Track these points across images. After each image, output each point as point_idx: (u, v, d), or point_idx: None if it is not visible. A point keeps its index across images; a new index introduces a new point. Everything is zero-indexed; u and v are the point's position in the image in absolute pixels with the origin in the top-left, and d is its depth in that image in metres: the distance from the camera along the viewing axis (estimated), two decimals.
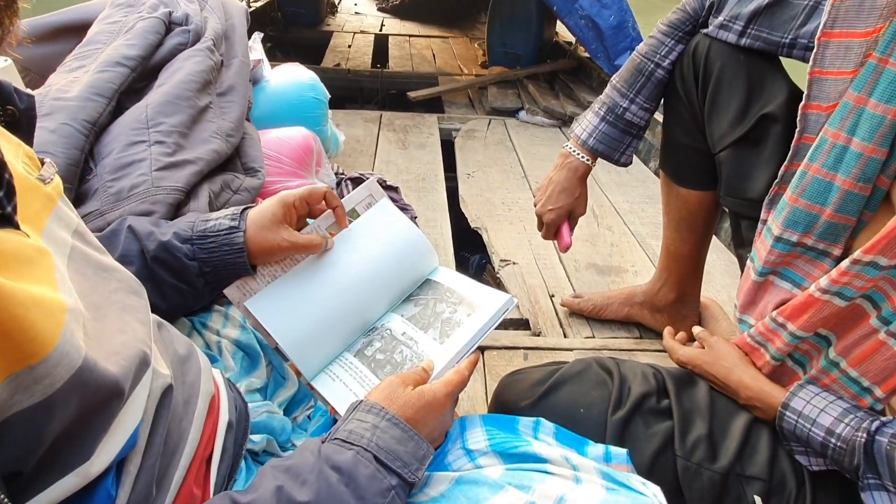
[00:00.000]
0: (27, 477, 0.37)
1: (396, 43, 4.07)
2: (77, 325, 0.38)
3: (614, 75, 1.07)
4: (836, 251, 0.75)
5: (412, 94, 2.84)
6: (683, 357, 0.87)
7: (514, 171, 2.19)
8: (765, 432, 0.75)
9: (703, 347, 0.87)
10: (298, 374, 0.71)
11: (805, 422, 0.70)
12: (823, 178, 0.73)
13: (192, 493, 0.51)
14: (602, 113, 1.06)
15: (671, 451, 0.72)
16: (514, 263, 1.57)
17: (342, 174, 1.54)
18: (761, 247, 0.82)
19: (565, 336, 1.30)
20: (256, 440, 0.66)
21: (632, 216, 1.87)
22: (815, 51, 0.75)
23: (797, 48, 0.84)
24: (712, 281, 1.51)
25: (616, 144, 1.07)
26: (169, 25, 1.11)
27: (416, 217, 1.45)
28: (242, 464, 0.61)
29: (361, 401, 0.57)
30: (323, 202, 0.73)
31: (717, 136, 0.94)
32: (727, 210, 1.00)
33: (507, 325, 1.35)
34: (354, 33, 4.24)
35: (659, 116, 1.09)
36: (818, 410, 0.69)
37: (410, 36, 4.31)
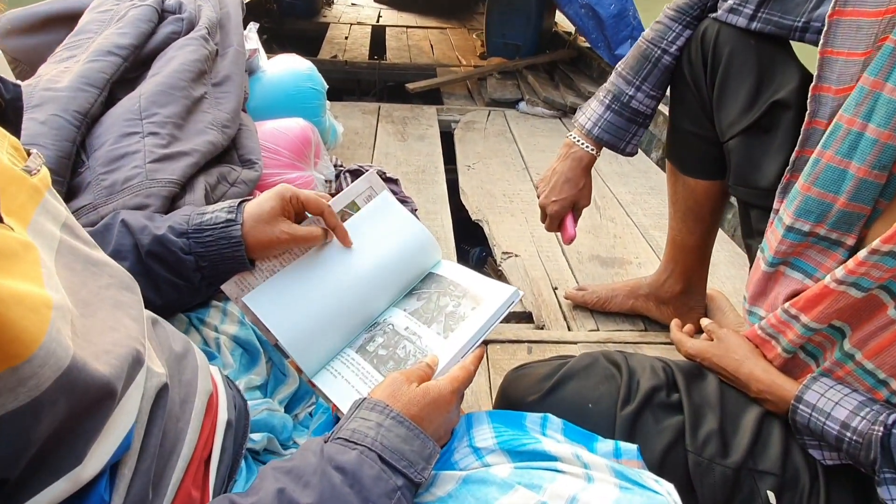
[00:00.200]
0: (14, 483, 0.35)
1: (394, 34, 4.03)
2: (64, 322, 0.36)
3: (619, 62, 1.04)
4: (850, 241, 0.73)
5: (411, 86, 2.81)
6: (692, 350, 0.85)
7: (515, 162, 2.16)
8: (777, 426, 0.74)
9: (712, 340, 0.85)
10: (299, 370, 0.69)
11: (819, 415, 0.68)
12: (837, 165, 0.71)
13: (191, 495, 0.49)
14: (607, 101, 1.04)
15: (682, 447, 0.70)
16: (516, 256, 1.55)
17: (341, 166, 1.52)
18: (772, 236, 0.80)
19: (569, 329, 1.28)
20: (257, 439, 0.64)
21: (634, 207, 1.85)
22: (825, 29, 0.72)
23: (810, 32, 0.82)
24: (717, 272, 1.50)
25: (621, 133, 1.05)
26: (162, 13, 1.08)
27: (416, 209, 1.43)
28: (242, 464, 0.59)
29: (364, 398, 0.55)
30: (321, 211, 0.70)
31: (726, 123, 0.92)
32: (736, 200, 0.98)
33: (510, 318, 1.33)
34: (351, 24, 4.20)
35: (662, 108, 1.07)
36: (833, 404, 0.68)
37: (408, 27, 4.27)
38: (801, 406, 0.70)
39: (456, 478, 0.55)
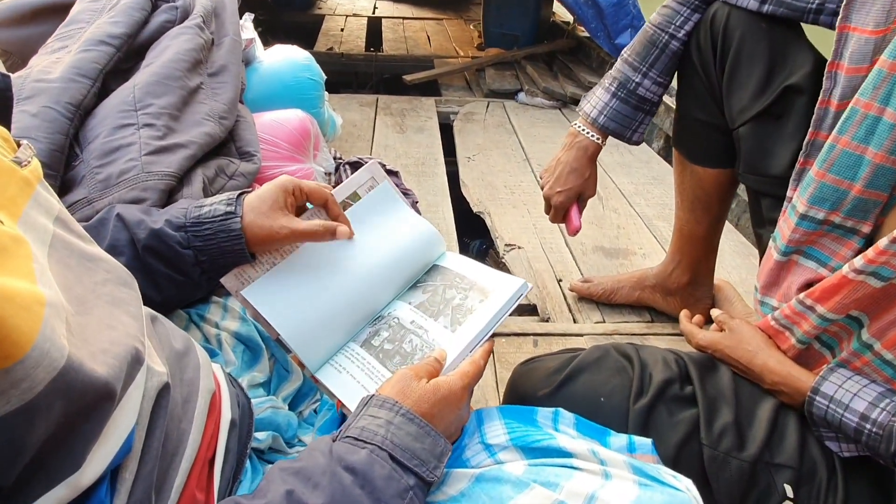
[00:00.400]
0: (10, 491, 0.33)
1: (390, 26, 3.99)
2: (58, 320, 0.34)
3: (625, 48, 1.02)
4: (866, 228, 0.72)
5: (408, 78, 2.78)
6: (703, 341, 0.83)
7: (516, 153, 2.14)
8: (792, 418, 0.72)
9: (722, 331, 0.84)
10: (302, 366, 0.67)
11: (837, 407, 0.66)
12: (853, 151, 0.69)
13: (195, 497, 0.48)
14: (613, 88, 1.01)
15: (697, 440, 0.69)
16: (519, 248, 1.53)
17: (340, 159, 1.49)
18: (785, 225, 0.79)
19: (575, 321, 1.27)
20: (261, 438, 0.62)
21: (637, 198, 1.83)
22: (844, 3, 0.70)
23: (824, 14, 0.80)
24: (722, 262, 1.48)
25: (628, 122, 1.02)
26: (155, 2, 1.05)
27: (417, 202, 1.41)
28: (247, 464, 0.57)
29: (373, 395, 0.53)
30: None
31: (736, 110, 0.90)
32: (746, 188, 0.96)
33: (514, 311, 1.31)
34: (347, 16, 4.15)
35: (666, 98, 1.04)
36: (851, 395, 0.66)
37: (404, 18, 4.23)
38: (817, 398, 0.68)
39: (468, 476, 0.53)
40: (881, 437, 0.63)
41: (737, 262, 1.51)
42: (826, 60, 0.75)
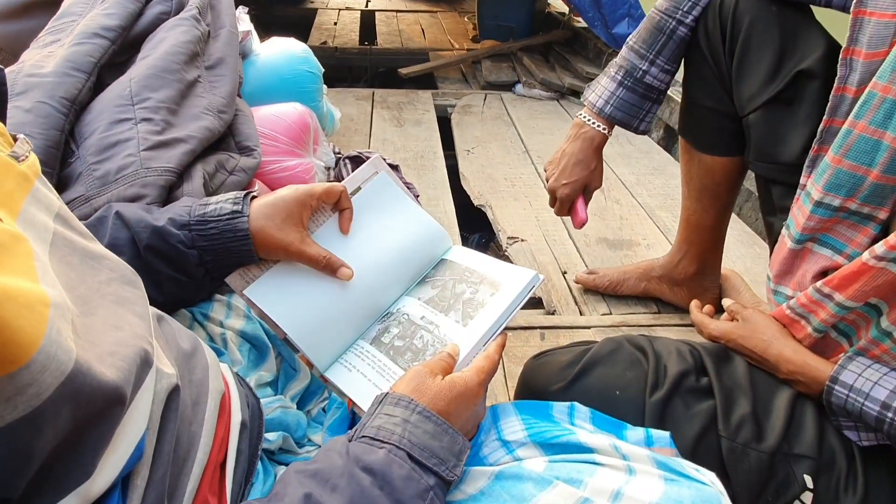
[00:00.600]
0: (17, 503, 0.31)
1: (383, 19, 3.96)
2: (64, 321, 0.32)
3: (631, 35, 1.00)
4: (882, 215, 0.70)
5: (403, 71, 2.75)
6: (716, 331, 0.82)
7: (515, 145, 2.12)
8: (809, 408, 0.71)
9: (733, 320, 0.83)
10: (310, 365, 0.66)
11: (857, 396, 0.65)
12: (871, 136, 0.68)
13: (208, 502, 0.46)
14: (619, 77, 1.00)
15: (714, 432, 0.68)
16: (522, 241, 1.51)
17: (339, 153, 1.47)
18: (799, 213, 0.77)
19: (581, 314, 1.26)
20: (272, 439, 0.60)
21: (639, 188, 1.82)
22: None
23: None
24: (726, 251, 1.45)
25: (635, 111, 1.01)
26: None
27: (418, 196, 1.39)
28: (259, 466, 0.56)
29: (387, 393, 0.52)
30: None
31: (746, 96, 0.88)
32: (755, 176, 0.95)
33: None
34: (340, 10, 4.11)
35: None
36: (871, 384, 0.65)
37: (398, 11, 4.19)
38: (836, 387, 0.67)
39: (487, 474, 0.52)
40: None
41: (741, 251, 1.50)
42: (837, 43, 0.74)
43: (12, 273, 0.30)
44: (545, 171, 1.12)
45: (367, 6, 4.30)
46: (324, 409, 0.76)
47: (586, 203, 1.10)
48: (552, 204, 1.12)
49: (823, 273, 0.75)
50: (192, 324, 0.71)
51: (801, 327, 0.75)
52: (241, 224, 0.63)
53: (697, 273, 1.19)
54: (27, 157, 0.40)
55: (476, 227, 1.92)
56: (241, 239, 0.63)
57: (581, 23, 3.01)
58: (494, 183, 1.83)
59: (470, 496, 0.51)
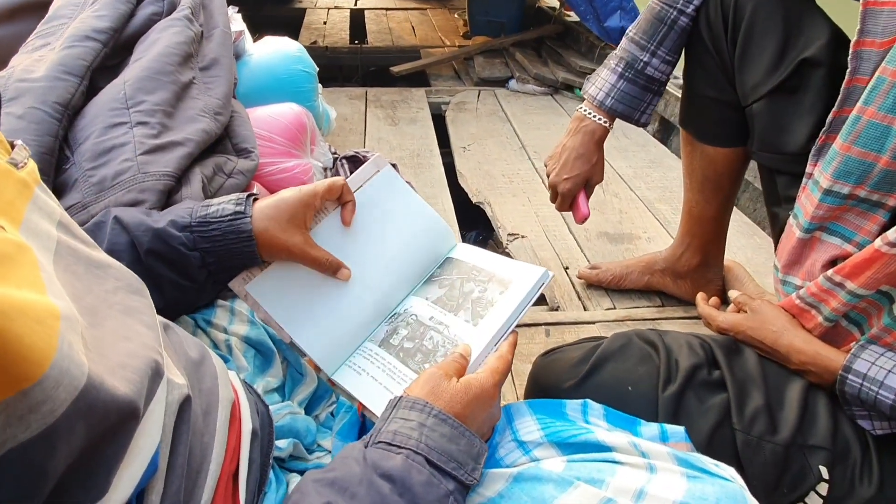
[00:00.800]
0: None
1: (373, 17, 3.93)
2: (74, 334, 0.31)
3: (630, 27, 0.99)
4: (892, 201, 0.70)
5: (395, 69, 2.73)
6: (725, 324, 0.82)
7: (511, 141, 2.11)
8: (822, 398, 0.71)
9: (740, 312, 0.82)
10: (317, 369, 0.65)
11: (871, 385, 0.65)
12: (880, 122, 0.67)
13: None
14: (620, 69, 0.99)
15: (728, 425, 0.67)
16: (522, 237, 1.50)
17: (335, 154, 1.45)
18: (807, 202, 0.77)
19: (585, 309, 1.25)
20: (282, 446, 0.59)
21: (637, 181, 1.81)
22: None
23: None
24: (727, 243, 1.47)
25: (636, 103, 1.00)
26: None
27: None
28: (271, 474, 0.54)
29: (401, 397, 0.51)
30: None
31: (749, 86, 0.87)
32: (759, 166, 0.94)
33: None
34: (329, 9, 4.08)
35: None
36: (885, 372, 0.65)
37: (387, 9, 4.16)
38: (850, 376, 0.67)
39: (505, 476, 0.51)
40: None
41: (742, 241, 1.50)
42: (841, 31, 0.73)
43: (20, 285, 0.29)
44: (545, 165, 1.11)
45: (356, 4, 4.27)
46: (332, 414, 0.75)
47: (588, 198, 1.09)
48: (553, 199, 1.11)
49: (833, 262, 0.74)
50: (195, 330, 0.69)
51: (812, 317, 0.74)
52: (244, 225, 0.61)
53: (701, 265, 1.18)
54: (26, 163, 0.39)
55: (472, 225, 1.91)
56: (245, 240, 0.62)
57: (572, 17, 3.00)
58: (492, 180, 1.82)
59: (489, 499, 0.50)
